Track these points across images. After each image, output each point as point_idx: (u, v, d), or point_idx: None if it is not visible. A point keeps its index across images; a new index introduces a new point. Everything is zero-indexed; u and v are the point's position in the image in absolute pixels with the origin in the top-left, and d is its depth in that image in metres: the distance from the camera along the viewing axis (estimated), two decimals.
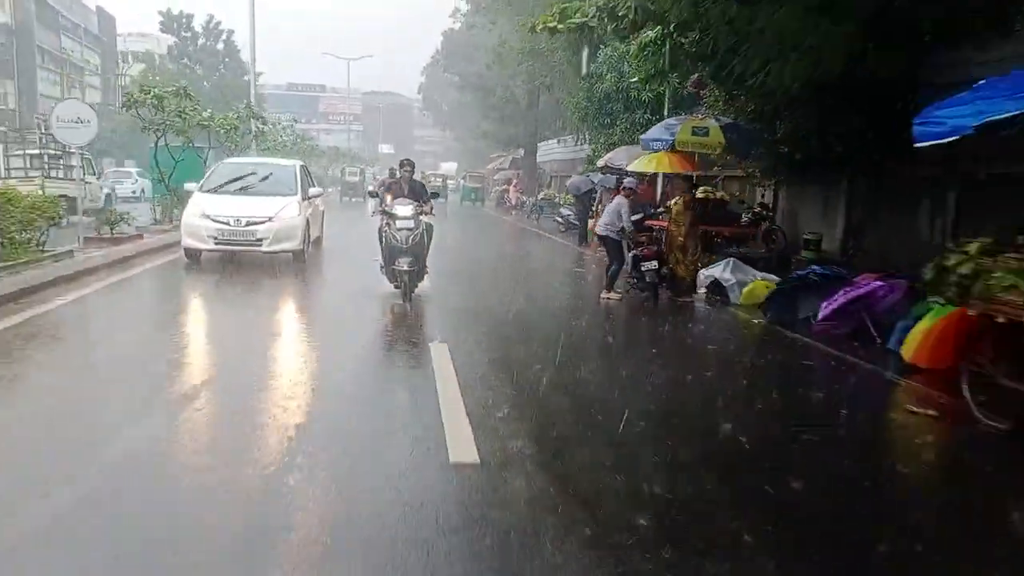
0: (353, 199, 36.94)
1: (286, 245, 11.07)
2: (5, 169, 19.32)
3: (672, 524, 3.50)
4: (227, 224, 10.80)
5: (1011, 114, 5.03)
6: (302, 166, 13.26)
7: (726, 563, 3.16)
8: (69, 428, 4.45)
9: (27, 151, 19.61)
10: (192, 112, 15.86)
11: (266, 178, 12.12)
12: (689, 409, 5.58)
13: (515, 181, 35.95)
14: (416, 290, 8.76)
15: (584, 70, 19.51)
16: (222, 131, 18.01)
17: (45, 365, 5.88)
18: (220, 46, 53.87)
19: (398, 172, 9.80)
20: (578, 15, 10.74)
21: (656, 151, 13.78)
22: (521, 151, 38.02)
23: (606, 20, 10.51)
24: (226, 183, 11.89)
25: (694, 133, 12.95)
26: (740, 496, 3.89)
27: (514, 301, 9.69)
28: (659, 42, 12.79)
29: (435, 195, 10.06)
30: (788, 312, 8.48)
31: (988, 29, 8.66)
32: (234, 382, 5.57)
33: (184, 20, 52.08)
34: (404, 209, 8.75)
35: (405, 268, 8.41)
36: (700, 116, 13.60)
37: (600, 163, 18.00)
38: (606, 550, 3.17)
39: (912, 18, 8.77)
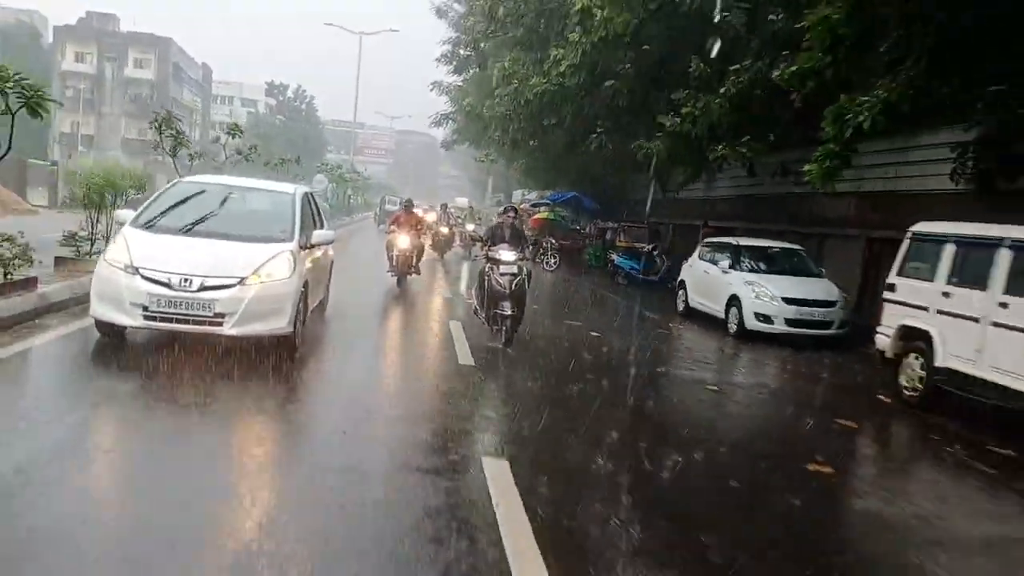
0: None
1: (263, 326, 6.58)
2: None
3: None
4: (167, 286, 6.27)
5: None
6: (306, 194, 8.67)
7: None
8: None
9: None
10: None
11: (246, 211, 7.78)
12: None
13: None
14: (516, 334, 9.21)
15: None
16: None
17: None
18: (303, 106, 76.36)
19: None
20: (487, 158, 31.70)
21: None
22: (502, 194, 59.27)
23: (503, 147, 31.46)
24: (177, 216, 7.19)
25: (538, 197, 34.00)
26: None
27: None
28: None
29: (536, 243, 8.77)
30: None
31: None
32: None
33: (281, 88, 74.71)
34: (508, 255, 9.09)
35: (508, 312, 8.84)
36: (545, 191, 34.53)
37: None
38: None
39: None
